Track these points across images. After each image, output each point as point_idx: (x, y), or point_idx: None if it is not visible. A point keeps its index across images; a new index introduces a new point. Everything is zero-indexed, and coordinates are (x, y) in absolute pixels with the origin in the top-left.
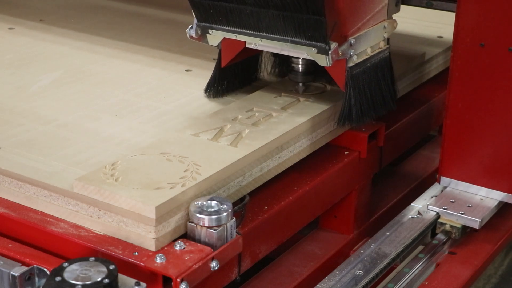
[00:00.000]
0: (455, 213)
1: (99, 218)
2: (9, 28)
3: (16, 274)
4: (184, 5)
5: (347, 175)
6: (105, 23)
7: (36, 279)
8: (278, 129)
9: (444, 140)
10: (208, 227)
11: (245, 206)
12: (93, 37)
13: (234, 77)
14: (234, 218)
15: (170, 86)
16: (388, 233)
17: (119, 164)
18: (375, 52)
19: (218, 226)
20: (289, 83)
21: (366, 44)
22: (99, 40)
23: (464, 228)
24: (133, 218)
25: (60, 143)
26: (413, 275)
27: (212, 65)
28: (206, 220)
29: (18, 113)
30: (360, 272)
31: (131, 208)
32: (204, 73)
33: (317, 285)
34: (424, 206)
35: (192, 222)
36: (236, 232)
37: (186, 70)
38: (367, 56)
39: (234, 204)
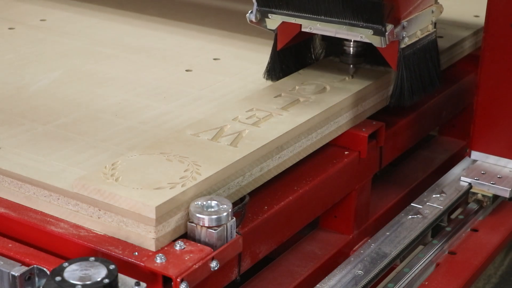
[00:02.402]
0: (487, 183)
1: (99, 218)
2: (9, 28)
3: (16, 274)
4: (183, 5)
5: (347, 175)
6: (105, 23)
7: (36, 279)
8: (278, 129)
9: (475, 116)
10: (208, 227)
11: (245, 206)
12: (93, 36)
13: (290, 60)
14: (234, 218)
15: (170, 86)
16: (388, 233)
17: (119, 164)
18: (424, 35)
19: (218, 226)
20: (289, 83)
21: (417, 27)
22: (99, 40)
23: (495, 197)
24: (133, 218)
25: (60, 143)
26: (413, 275)
27: (212, 65)
28: (206, 220)
29: (18, 113)
30: (360, 272)
31: (131, 208)
32: (204, 73)
33: (317, 285)
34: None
35: (192, 222)
36: (236, 232)
37: (186, 70)
38: (417, 39)
39: (234, 204)
